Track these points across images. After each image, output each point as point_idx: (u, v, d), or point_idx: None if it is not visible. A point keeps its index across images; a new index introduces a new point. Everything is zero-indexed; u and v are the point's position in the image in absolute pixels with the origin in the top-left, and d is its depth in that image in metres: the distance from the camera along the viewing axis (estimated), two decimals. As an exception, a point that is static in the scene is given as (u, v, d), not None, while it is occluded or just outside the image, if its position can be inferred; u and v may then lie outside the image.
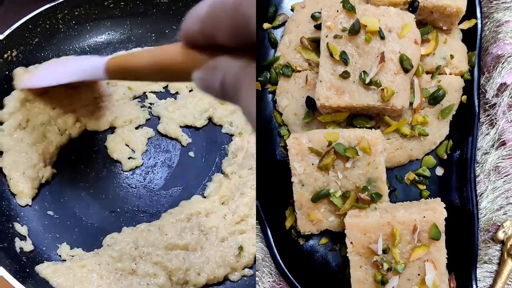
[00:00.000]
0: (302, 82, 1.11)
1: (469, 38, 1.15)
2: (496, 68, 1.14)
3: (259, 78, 1.14)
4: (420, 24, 1.10)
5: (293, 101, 1.12)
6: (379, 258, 0.99)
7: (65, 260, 1.16)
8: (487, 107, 1.16)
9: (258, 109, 1.14)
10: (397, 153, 1.11)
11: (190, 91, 1.42)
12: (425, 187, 1.14)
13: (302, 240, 1.12)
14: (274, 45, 1.16)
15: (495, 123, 1.15)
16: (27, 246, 1.16)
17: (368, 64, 1.02)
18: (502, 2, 1.18)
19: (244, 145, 1.33)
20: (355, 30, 1.01)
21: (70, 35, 1.41)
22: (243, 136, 1.34)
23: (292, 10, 1.18)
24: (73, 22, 1.40)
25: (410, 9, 1.05)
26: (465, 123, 1.13)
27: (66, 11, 1.38)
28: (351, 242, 1.00)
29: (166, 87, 1.43)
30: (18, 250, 1.15)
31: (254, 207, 1.21)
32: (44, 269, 1.12)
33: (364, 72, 1.01)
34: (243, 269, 1.18)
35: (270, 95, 1.16)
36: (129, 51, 1.42)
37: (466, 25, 1.14)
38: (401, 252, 0.99)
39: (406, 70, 1.02)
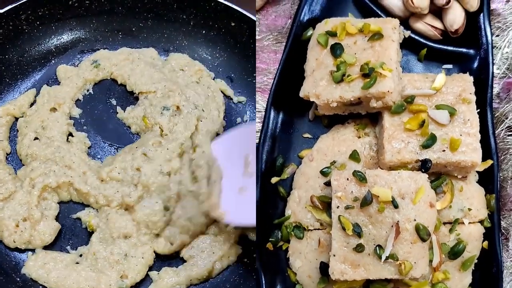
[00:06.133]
0: (315, 244, 1.07)
1: (486, 178, 1.11)
2: (517, 214, 1.09)
3: (270, 239, 1.10)
4: (433, 173, 1.06)
5: (307, 262, 1.08)
6: None
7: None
8: (509, 248, 1.11)
9: (272, 267, 1.10)
10: (419, 311, 1.07)
11: None
12: (451, 338, 1.09)
13: None
14: (284, 199, 1.13)
15: (520, 268, 1.10)
16: None
17: (382, 234, 0.97)
18: (518, 137, 1.14)
19: None
20: (367, 203, 0.97)
21: (34, 35, 1.36)
22: None
23: (299, 157, 1.15)
24: (37, 22, 1.35)
25: (423, 169, 1.01)
26: (488, 270, 1.08)
27: (29, 12, 1.33)
28: None
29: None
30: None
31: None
32: (28, 269, 1.14)
33: (379, 246, 0.97)
34: None
35: (283, 252, 1.12)
36: None
37: (482, 167, 1.09)
38: None
39: (423, 240, 0.97)
